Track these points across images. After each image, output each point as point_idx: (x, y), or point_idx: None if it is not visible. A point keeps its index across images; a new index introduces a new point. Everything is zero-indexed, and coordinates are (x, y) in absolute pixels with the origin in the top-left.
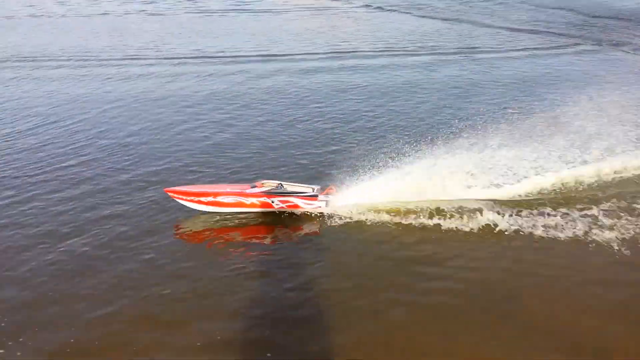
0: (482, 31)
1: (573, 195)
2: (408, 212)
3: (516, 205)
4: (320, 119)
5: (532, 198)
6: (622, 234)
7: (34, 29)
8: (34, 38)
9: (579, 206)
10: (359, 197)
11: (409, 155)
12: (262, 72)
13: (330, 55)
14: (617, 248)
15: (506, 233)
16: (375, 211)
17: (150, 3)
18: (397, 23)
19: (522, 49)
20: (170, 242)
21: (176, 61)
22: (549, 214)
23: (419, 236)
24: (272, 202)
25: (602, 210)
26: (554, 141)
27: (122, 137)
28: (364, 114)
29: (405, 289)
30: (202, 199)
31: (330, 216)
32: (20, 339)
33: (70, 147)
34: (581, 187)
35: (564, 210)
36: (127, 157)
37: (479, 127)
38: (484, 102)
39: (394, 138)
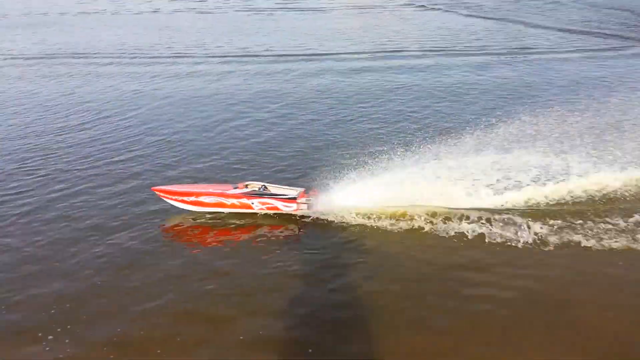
0: (532, 31)
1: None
2: (448, 217)
3: (565, 214)
4: (364, 119)
5: (581, 205)
6: None
7: (86, 26)
8: (86, 35)
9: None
10: (357, 199)
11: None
12: (307, 70)
13: (375, 54)
14: None
15: (554, 241)
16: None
17: (200, 1)
18: (444, 22)
19: (574, 50)
20: (214, 239)
21: (223, 59)
22: (599, 222)
23: (463, 242)
24: (252, 203)
25: None
26: (626, 144)
27: (170, 133)
28: (409, 114)
29: (449, 295)
30: (186, 198)
31: (375, 219)
32: (67, 330)
33: (120, 143)
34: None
35: (615, 219)
36: (174, 154)
37: (532, 132)
38: (536, 104)
39: (440, 140)
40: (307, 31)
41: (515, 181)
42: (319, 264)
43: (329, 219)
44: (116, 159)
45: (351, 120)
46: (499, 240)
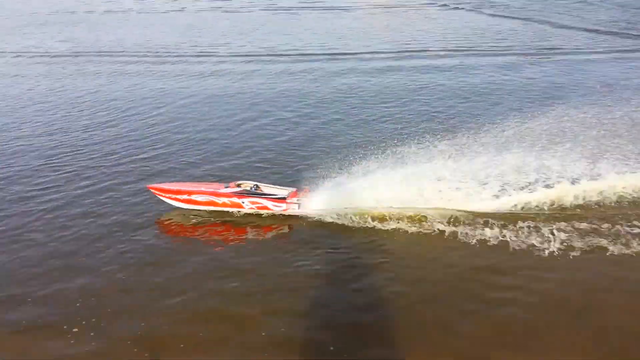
0: (559, 31)
1: None
2: (470, 220)
3: (593, 217)
4: (387, 119)
5: (609, 208)
6: None
7: (112, 24)
8: (112, 33)
9: None
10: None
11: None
12: (330, 70)
13: (399, 53)
14: None
15: (580, 245)
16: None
17: (226, 0)
18: (468, 21)
19: (602, 51)
20: (236, 237)
21: (246, 58)
22: (627, 226)
23: (486, 245)
24: (242, 202)
25: None
26: None
27: (194, 132)
28: (432, 114)
29: (472, 299)
30: (179, 196)
31: (396, 220)
32: (92, 324)
33: (144, 140)
34: None
35: None
36: (197, 152)
37: (561, 132)
38: (565, 105)
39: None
40: (331, 30)
41: (542, 182)
42: (341, 264)
43: (350, 220)
44: (141, 156)
45: (374, 120)
46: (523, 242)
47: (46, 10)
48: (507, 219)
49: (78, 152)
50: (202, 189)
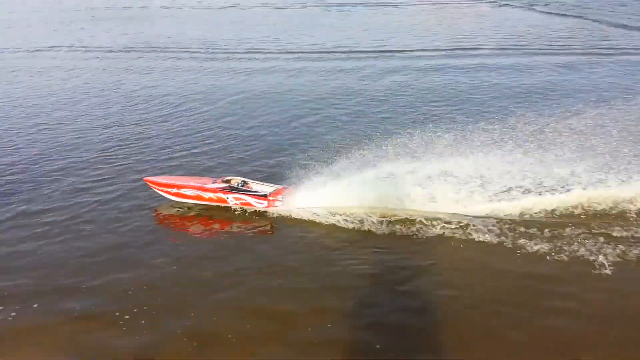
0: (618, 31)
1: None
2: (522, 225)
3: None
4: (436, 118)
5: None
6: None
7: (166, 20)
8: (166, 29)
9: None
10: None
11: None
12: (380, 68)
13: (449, 51)
14: None
15: (637, 253)
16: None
17: None
18: (522, 19)
19: None
20: (284, 234)
21: (296, 55)
22: None
23: (537, 253)
24: (227, 198)
25: None
26: None
27: (243, 129)
28: (484, 113)
29: (524, 307)
30: (170, 189)
31: (445, 224)
32: (143, 316)
33: (196, 135)
34: None
35: None
36: (246, 149)
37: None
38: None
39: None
40: (380, 27)
41: (599, 184)
42: (388, 265)
43: (405, 221)
44: (192, 151)
45: (424, 119)
46: (575, 250)
47: (103, 6)
48: (557, 225)
49: (131, 145)
50: (191, 183)
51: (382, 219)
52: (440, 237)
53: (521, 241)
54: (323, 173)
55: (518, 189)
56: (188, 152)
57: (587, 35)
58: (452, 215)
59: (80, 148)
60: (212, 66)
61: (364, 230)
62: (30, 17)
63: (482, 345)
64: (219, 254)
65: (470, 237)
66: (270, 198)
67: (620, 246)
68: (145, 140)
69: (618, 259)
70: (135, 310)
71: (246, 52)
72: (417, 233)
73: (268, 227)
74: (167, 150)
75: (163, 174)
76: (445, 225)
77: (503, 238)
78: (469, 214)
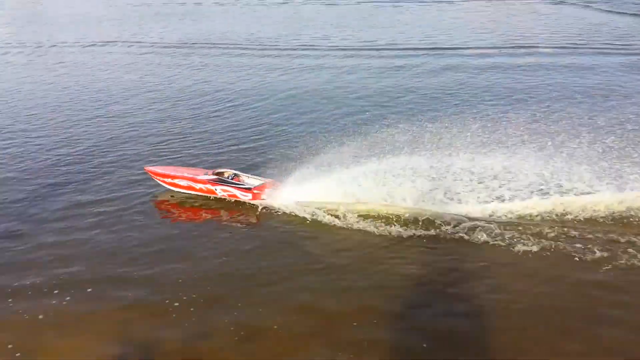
0: None
1: None
2: (586, 230)
3: None
4: (488, 118)
5: None
6: None
7: (219, 16)
8: (219, 25)
9: None
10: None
11: None
12: (433, 65)
13: (504, 50)
14: None
15: None
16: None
17: None
18: (581, 17)
19: None
20: (330, 233)
21: (347, 52)
22: None
23: (598, 260)
24: (216, 189)
25: None
26: None
27: (294, 125)
28: (540, 113)
29: (579, 315)
30: (165, 179)
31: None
32: (190, 307)
33: (248, 131)
34: None
35: None
36: (295, 145)
37: None
38: None
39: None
40: (433, 24)
41: None
42: (439, 266)
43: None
44: (242, 146)
45: (475, 118)
46: (633, 256)
47: (158, 2)
48: (612, 231)
49: (184, 140)
50: (185, 174)
51: (430, 220)
52: (489, 240)
53: (575, 246)
54: (334, 169)
55: (574, 190)
56: (239, 147)
57: None
58: (502, 217)
59: (134, 141)
60: (263, 62)
61: (410, 231)
62: (88, 12)
63: (534, 353)
64: (264, 249)
65: (520, 241)
66: (255, 191)
67: None
68: (197, 135)
69: None
70: (184, 299)
71: (297, 49)
72: (465, 235)
73: (313, 226)
74: (217, 145)
75: (212, 168)
76: (495, 227)
77: (554, 242)
78: (522, 216)
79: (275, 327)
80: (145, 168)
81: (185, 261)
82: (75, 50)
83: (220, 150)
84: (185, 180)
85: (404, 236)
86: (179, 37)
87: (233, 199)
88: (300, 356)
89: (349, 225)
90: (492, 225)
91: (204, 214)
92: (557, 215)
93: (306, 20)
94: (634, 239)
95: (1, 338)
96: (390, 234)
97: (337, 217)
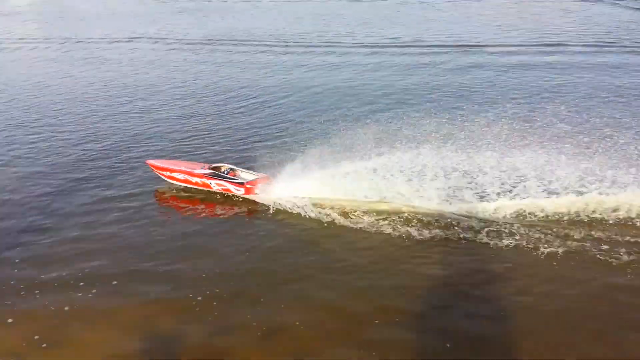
0: None
1: None
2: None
3: None
4: (515, 117)
5: None
6: None
7: (244, 13)
8: (244, 22)
9: None
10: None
11: None
12: (459, 63)
13: (533, 48)
14: None
15: None
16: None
17: None
18: (610, 15)
19: None
20: (353, 233)
21: (372, 49)
22: None
23: (624, 262)
24: (211, 183)
25: None
26: None
27: (317, 122)
28: (566, 114)
29: (604, 319)
30: (164, 172)
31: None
32: (213, 303)
33: (272, 127)
34: None
35: None
36: (318, 142)
37: None
38: None
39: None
40: (460, 20)
41: None
42: (462, 267)
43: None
44: (267, 143)
45: (501, 117)
46: None
47: None
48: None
49: (209, 136)
50: (182, 168)
51: (452, 221)
52: (513, 241)
53: (602, 248)
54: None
55: (604, 191)
56: (262, 143)
57: None
58: (527, 217)
59: (159, 137)
60: (288, 59)
61: (432, 232)
62: (115, 8)
63: (559, 358)
64: (287, 248)
65: (545, 243)
66: (248, 186)
67: None
68: (222, 132)
69: None
70: (207, 294)
71: (321, 46)
72: (488, 236)
73: (333, 225)
74: (243, 141)
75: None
76: (519, 229)
77: (580, 244)
78: (548, 217)
79: (297, 324)
80: (147, 161)
81: (207, 257)
82: (101, 47)
83: (245, 147)
84: (182, 174)
85: (426, 237)
86: (204, 33)
87: (228, 193)
88: (322, 354)
89: (369, 225)
90: (516, 227)
91: (226, 211)
92: (584, 216)
93: (330, 17)
94: None
95: (27, 329)
96: (410, 234)
97: (356, 216)
